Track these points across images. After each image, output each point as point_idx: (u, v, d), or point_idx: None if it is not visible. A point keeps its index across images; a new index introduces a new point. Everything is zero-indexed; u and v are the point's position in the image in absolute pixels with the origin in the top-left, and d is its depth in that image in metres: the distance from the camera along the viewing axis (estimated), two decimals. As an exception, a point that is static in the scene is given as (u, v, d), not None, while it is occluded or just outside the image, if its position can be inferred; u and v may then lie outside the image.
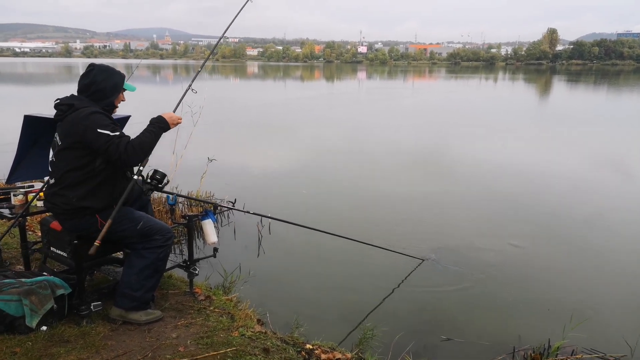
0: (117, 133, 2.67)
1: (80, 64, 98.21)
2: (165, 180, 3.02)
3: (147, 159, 2.82)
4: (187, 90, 3.37)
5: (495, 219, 6.45)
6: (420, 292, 4.42)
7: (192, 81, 3.43)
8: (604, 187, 8.21)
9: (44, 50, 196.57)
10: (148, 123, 2.87)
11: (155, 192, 3.17)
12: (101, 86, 2.83)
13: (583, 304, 4.23)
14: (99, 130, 2.63)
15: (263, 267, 4.97)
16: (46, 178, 3.35)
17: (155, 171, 3.01)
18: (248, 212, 4.15)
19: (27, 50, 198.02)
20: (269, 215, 4.39)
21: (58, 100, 2.83)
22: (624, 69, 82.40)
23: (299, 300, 4.30)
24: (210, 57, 4.75)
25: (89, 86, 2.82)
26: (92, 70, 2.86)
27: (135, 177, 2.82)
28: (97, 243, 2.63)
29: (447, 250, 5.26)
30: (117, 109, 3.00)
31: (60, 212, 2.81)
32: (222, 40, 4.56)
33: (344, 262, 4.98)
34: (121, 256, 3.45)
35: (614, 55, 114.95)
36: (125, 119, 3.57)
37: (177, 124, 2.96)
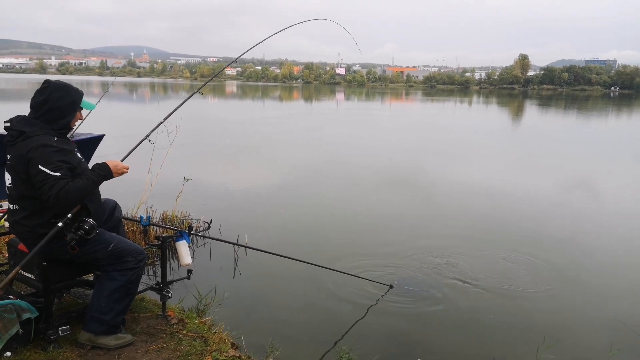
0: (58, 174, 2.52)
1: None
2: (93, 233, 2.70)
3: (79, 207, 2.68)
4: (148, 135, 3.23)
5: (468, 241, 6.50)
6: (393, 315, 4.40)
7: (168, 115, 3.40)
8: (575, 208, 8.43)
9: (17, 67, 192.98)
10: (90, 168, 2.75)
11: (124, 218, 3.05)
12: (57, 105, 2.69)
13: (555, 325, 4.29)
14: (39, 166, 2.51)
15: (239, 289, 4.91)
16: (5, 204, 3.26)
17: (84, 221, 2.69)
18: (221, 240, 4.10)
19: (0, 65, 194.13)
20: (243, 243, 4.36)
21: (8, 123, 2.69)
22: (592, 95, 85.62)
23: (275, 323, 4.24)
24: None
25: (43, 104, 2.67)
26: (48, 87, 2.71)
27: (60, 223, 2.60)
28: None
29: (418, 273, 5.27)
30: (74, 128, 2.90)
31: (25, 237, 2.74)
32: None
33: (318, 286, 4.92)
34: (92, 278, 3.35)
35: (582, 81, 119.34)
36: (98, 139, 3.52)
37: (122, 173, 2.82)
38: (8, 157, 2.70)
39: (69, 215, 2.63)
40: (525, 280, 5.19)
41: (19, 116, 2.74)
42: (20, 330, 2.67)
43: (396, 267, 5.41)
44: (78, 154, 2.80)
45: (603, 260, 5.92)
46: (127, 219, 4.54)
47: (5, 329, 2.60)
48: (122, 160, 2.90)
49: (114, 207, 3.17)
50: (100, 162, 2.78)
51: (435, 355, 3.77)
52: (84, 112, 3.16)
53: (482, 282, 5.09)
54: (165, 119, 3.27)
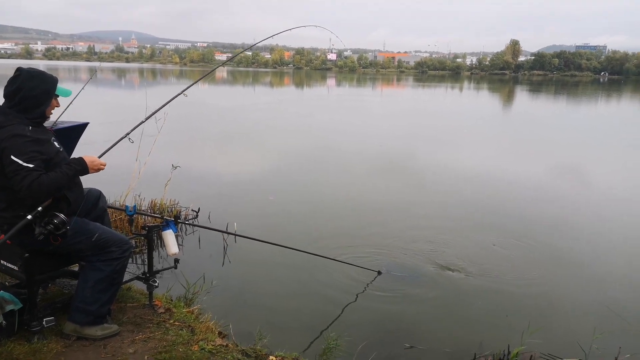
0: (31, 165, 2.46)
1: (42, 66, 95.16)
2: (63, 229, 2.62)
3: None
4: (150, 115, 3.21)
5: (457, 226, 6.54)
6: (381, 301, 4.43)
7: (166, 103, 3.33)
8: (564, 194, 8.48)
9: (2, 52, 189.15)
10: (66, 162, 2.69)
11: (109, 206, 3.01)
12: (30, 94, 2.62)
13: (541, 310, 4.35)
14: (12, 156, 2.46)
15: (227, 277, 4.91)
16: None
17: (55, 215, 2.61)
18: (209, 228, 4.08)
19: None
20: (232, 231, 4.34)
21: None
22: (582, 80, 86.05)
23: (263, 311, 4.25)
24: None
25: (15, 93, 2.61)
26: (20, 75, 2.65)
27: (29, 216, 2.55)
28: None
29: (406, 259, 5.31)
30: (50, 116, 2.84)
31: (5, 230, 2.69)
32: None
33: (307, 273, 4.95)
34: (77, 269, 3.32)
35: (572, 67, 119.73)
36: (82, 127, 3.44)
37: (99, 169, 2.77)
38: None
39: (40, 208, 2.56)
40: (513, 266, 5.25)
41: None
42: (4, 322, 2.65)
43: (385, 253, 5.44)
44: (56, 144, 2.74)
45: (590, 246, 6.00)
46: (113, 207, 4.50)
47: (-12, 320, 2.58)
48: (100, 157, 2.85)
49: (98, 196, 3.13)
50: (77, 156, 2.72)
51: (422, 341, 3.80)
52: (67, 100, 3.10)
53: (470, 267, 5.13)
54: (147, 119, 3.22)
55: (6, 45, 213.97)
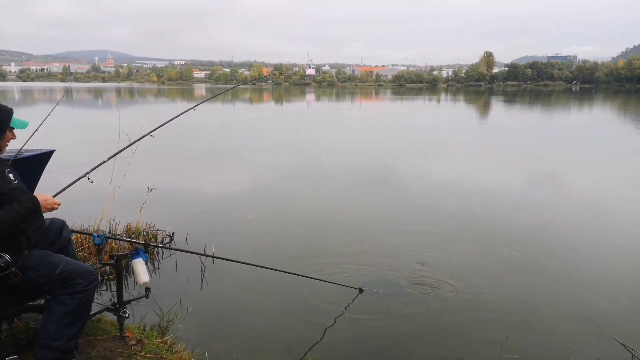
0: None
1: (16, 88, 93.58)
2: (6, 271, 2.55)
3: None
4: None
5: (437, 240, 6.55)
6: (362, 320, 4.38)
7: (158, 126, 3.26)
8: (542, 204, 8.55)
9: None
10: (18, 200, 2.62)
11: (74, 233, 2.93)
12: None
13: (520, 323, 4.35)
14: None
15: (204, 302, 4.79)
16: None
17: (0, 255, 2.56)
18: (184, 251, 4.00)
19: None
20: (210, 253, 4.26)
21: None
22: (555, 90, 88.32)
23: (241, 336, 4.16)
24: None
25: None
26: None
27: None
28: None
29: (386, 275, 5.29)
30: (4, 149, 2.76)
31: None
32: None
33: (287, 293, 4.88)
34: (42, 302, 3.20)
35: (545, 77, 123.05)
36: (47, 155, 3.36)
37: (53, 209, 2.72)
38: None
39: None
40: (492, 278, 5.26)
41: None
42: (-37, 363, 2.52)
43: (365, 270, 5.41)
44: (10, 176, 2.66)
45: (569, 256, 6.02)
46: (83, 233, 4.38)
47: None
48: (55, 196, 2.78)
49: (61, 226, 3.04)
50: (30, 195, 2.65)
51: (405, 358, 3.76)
52: (32, 127, 3.00)
53: (451, 281, 5.13)
54: (112, 156, 3.14)
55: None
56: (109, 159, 3.28)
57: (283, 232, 6.98)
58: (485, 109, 39.08)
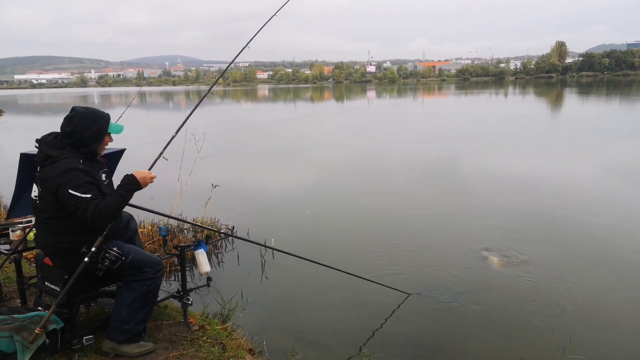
0: (88, 195, 2.63)
1: (95, 93, 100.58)
2: (119, 262, 2.82)
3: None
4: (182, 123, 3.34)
5: (502, 239, 6.32)
6: (416, 320, 4.34)
7: (192, 110, 3.43)
8: (622, 203, 7.94)
9: (60, 81, 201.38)
10: (119, 183, 2.80)
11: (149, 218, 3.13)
12: (83, 134, 2.77)
13: (583, 325, 4.13)
14: (70, 191, 2.62)
15: (264, 294, 4.96)
16: (32, 218, 3.39)
17: (109, 252, 2.82)
18: (245, 240, 4.16)
19: (44, 81, 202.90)
20: (269, 244, 4.38)
21: (37, 144, 2.80)
22: (636, 79, 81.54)
23: (297, 328, 4.26)
24: (221, 81, 4.68)
25: (71, 134, 2.77)
26: (74, 116, 2.78)
27: (86, 259, 2.71)
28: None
29: (444, 278, 5.16)
30: (102, 153, 2.98)
31: (48, 252, 2.89)
32: (232, 65, 4.49)
33: (342, 291, 4.88)
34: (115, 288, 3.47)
35: (624, 66, 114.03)
36: (119, 153, 3.62)
37: (150, 182, 2.86)
38: (37, 174, 2.83)
39: (93, 249, 2.73)
40: (555, 279, 5.01)
41: (50, 134, 2.84)
42: (47, 341, 2.80)
43: (423, 272, 5.30)
44: (103, 176, 2.91)
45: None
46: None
47: (33, 339, 2.73)
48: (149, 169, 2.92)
49: (128, 219, 3.27)
50: (128, 173, 2.81)
51: (459, 357, 3.69)
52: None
53: (508, 285, 4.92)
54: (177, 132, 3.32)
55: (63, 75, 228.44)
56: (176, 132, 3.31)
57: (341, 229, 7.01)
58: (557, 101, 36.89)
